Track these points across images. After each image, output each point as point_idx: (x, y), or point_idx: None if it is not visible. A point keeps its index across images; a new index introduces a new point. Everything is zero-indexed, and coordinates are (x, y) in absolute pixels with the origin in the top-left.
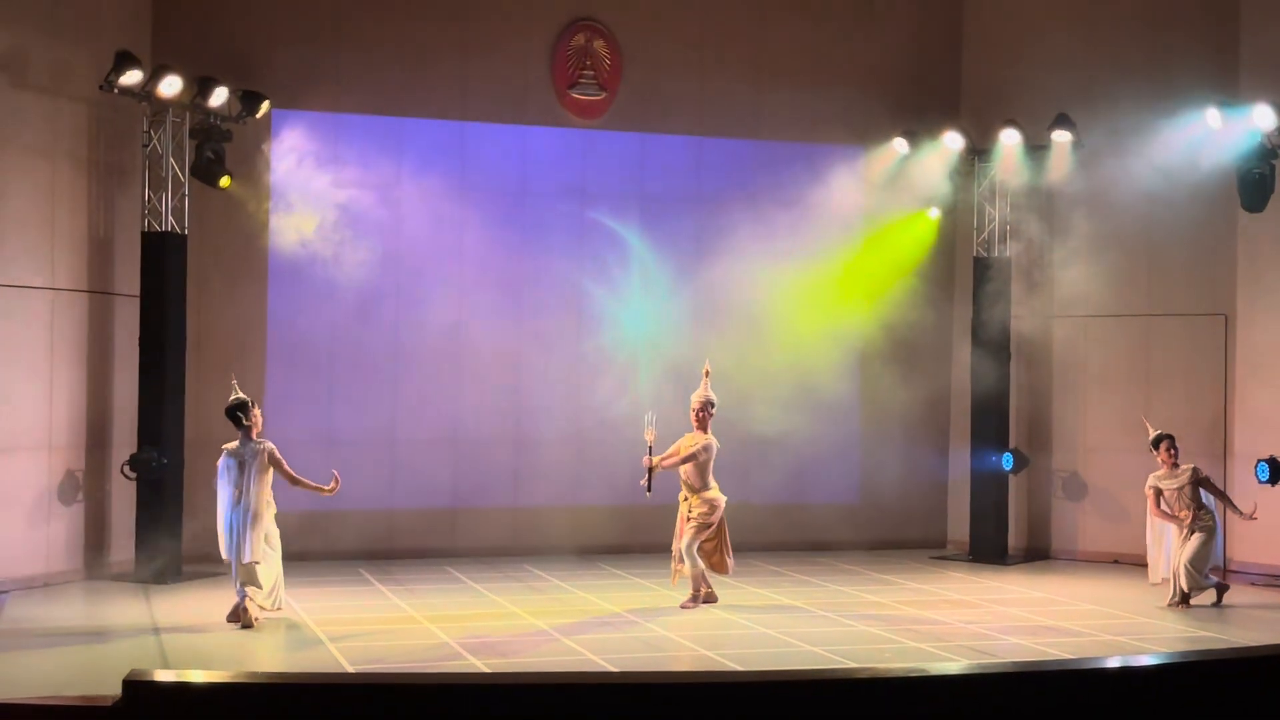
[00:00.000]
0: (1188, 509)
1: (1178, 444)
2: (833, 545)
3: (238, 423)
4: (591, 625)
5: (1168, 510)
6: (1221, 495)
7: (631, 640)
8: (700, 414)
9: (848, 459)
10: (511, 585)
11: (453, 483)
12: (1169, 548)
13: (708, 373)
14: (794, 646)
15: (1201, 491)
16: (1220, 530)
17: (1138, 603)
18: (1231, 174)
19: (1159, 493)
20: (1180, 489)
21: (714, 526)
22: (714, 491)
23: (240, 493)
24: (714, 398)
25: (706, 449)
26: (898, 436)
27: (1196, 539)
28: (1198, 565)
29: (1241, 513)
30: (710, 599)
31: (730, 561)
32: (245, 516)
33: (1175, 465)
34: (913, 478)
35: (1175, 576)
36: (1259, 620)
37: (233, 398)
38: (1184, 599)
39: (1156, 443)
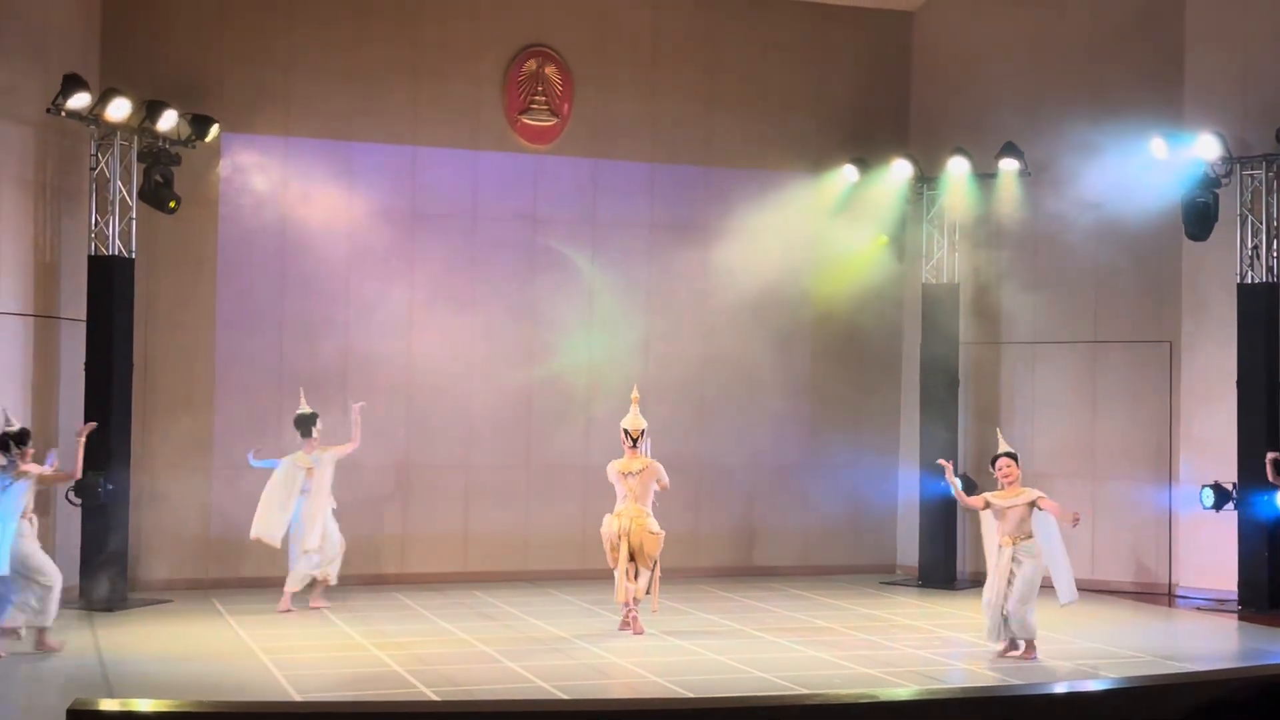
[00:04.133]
0: (1010, 536)
1: (1018, 465)
2: (781, 570)
3: (307, 432)
4: (541, 651)
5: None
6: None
7: (581, 667)
8: (641, 439)
9: (797, 484)
10: (461, 611)
11: (402, 508)
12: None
13: (636, 399)
14: (743, 672)
15: (1034, 520)
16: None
17: (1085, 627)
18: (1176, 203)
19: (987, 504)
20: (1011, 509)
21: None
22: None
23: (301, 493)
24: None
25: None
26: (847, 462)
27: (1022, 573)
28: (1026, 603)
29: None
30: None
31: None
32: (319, 507)
33: (1011, 486)
34: (862, 503)
35: (1007, 620)
36: (1209, 646)
37: (302, 409)
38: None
39: (994, 461)
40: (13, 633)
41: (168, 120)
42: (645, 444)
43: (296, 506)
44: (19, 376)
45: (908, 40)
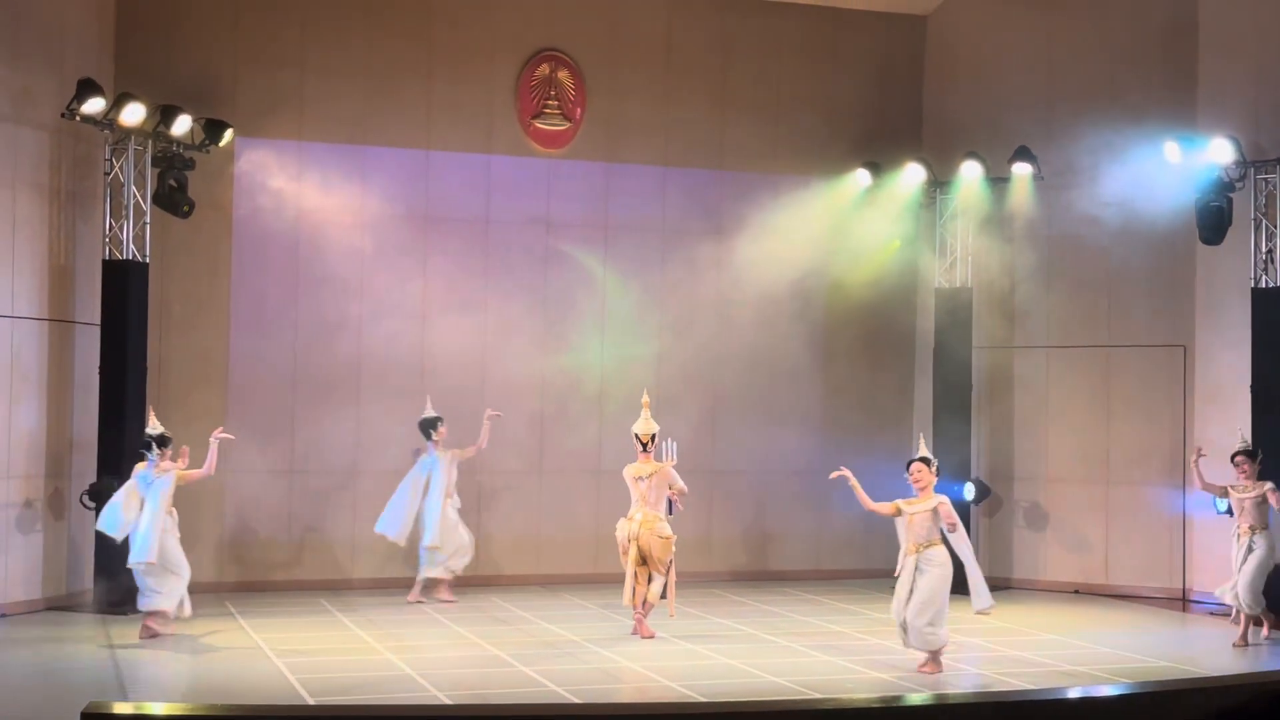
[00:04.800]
0: (914, 543)
1: (931, 470)
2: (794, 575)
3: (429, 435)
4: (553, 655)
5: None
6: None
7: (594, 671)
8: (652, 444)
9: (810, 489)
10: (474, 615)
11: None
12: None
13: (647, 404)
14: (756, 677)
15: (943, 529)
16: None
17: (1098, 633)
18: (1190, 207)
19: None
20: (916, 515)
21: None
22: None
23: (426, 490)
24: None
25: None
26: (860, 466)
27: (926, 580)
28: (923, 614)
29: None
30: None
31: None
32: (438, 506)
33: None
34: None
35: (905, 629)
36: (1221, 650)
37: (427, 413)
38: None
39: (908, 465)
40: (162, 615)
41: (182, 125)
42: (670, 447)
43: (421, 506)
44: (34, 380)
45: (921, 44)
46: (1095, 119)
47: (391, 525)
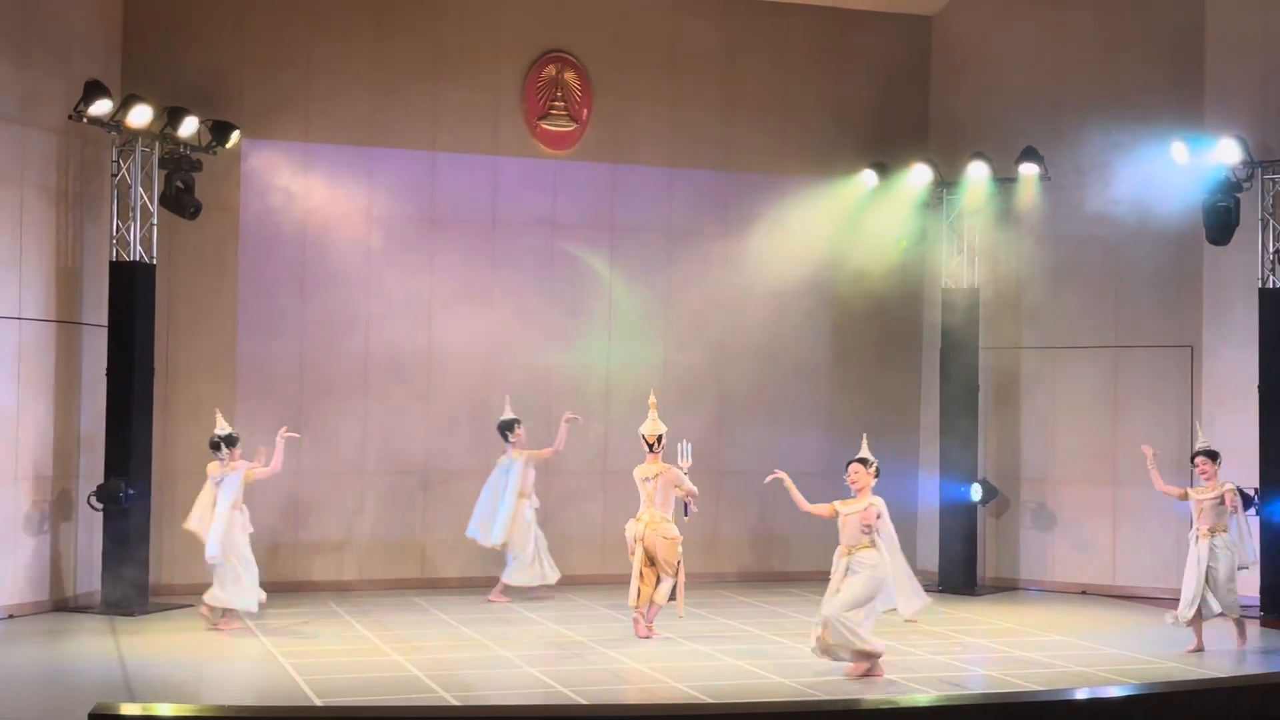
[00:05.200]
0: (846, 545)
1: (869, 471)
2: (801, 575)
3: (506, 437)
4: (560, 656)
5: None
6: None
7: (600, 672)
8: (658, 445)
9: (817, 489)
10: (480, 616)
11: (422, 512)
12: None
13: (654, 405)
14: (763, 678)
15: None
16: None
17: (1106, 634)
18: (1197, 207)
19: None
20: (849, 516)
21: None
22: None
23: (502, 491)
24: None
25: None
26: None
27: (854, 581)
28: (851, 616)
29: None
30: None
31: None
32: (511, 506)
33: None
34: None
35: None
36: (1231, 651)
37: (506, 414)
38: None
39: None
40: (233, 613)
41: (189, 126)
42: (685, 449)
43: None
44: (41, 381)
45: (927, 44)
46: (1102, 119)
47: (479, 530)
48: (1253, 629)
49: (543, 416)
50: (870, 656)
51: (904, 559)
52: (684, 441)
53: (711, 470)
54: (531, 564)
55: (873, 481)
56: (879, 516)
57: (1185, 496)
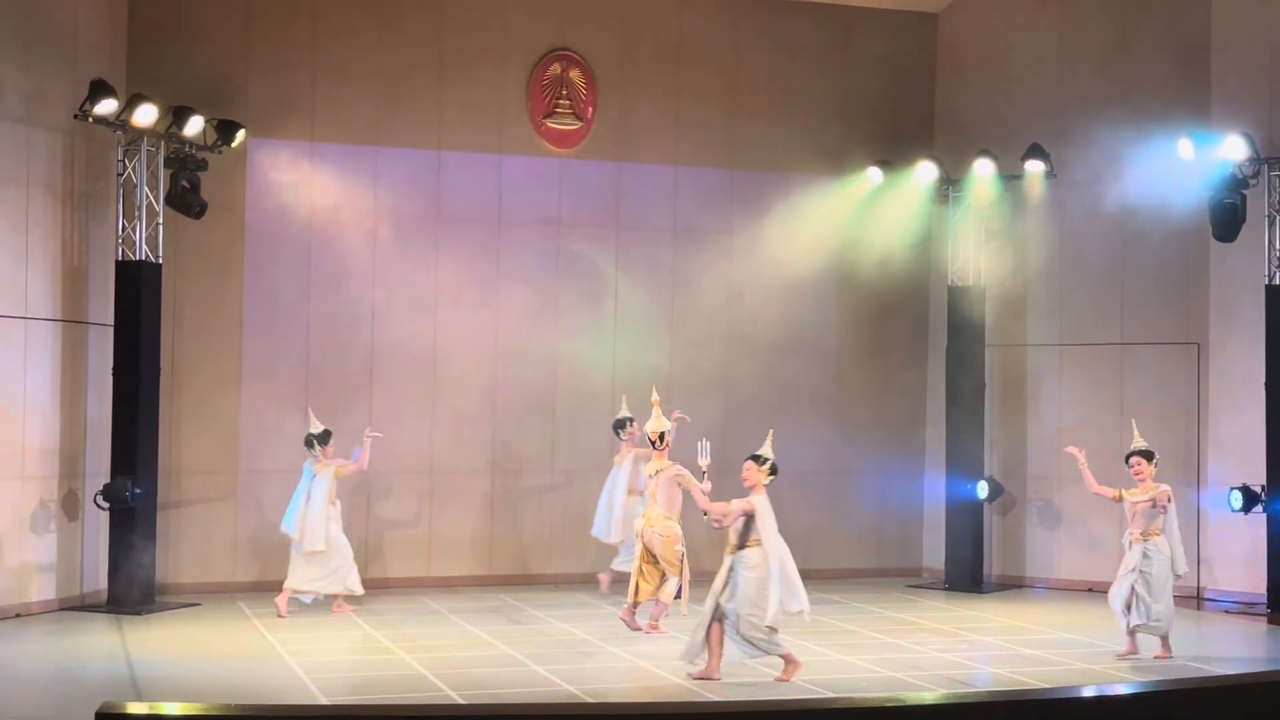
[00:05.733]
0: (730, 545)
1: (760, 468)
2: (808, 574)
3: (619, 434)
4: (566, 655)
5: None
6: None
7: (606, 670)
8: (660, 441)
9: (823, 488)
10: (486, 614)
11: (427, 511)
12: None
13: (657, 402)
14: (770, 676)
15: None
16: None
17: (1113, 631)
18: (1203, 204)
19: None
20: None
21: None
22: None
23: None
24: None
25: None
26: (873, 465)
27: (743, 584)
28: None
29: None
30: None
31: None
32: (620, 503)
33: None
34: (888, 506)
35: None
36: (1237, 649)
37: (621, 413)
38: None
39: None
40: (337, 599)
41: (194, 126)
42: (704, 447)
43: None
44: (47, 381)
45: (932, 42)
46: (1108, 116)
47: (601, 528)
48: (1259, 626)
49: (548, 414)
50: (792, 657)
51: (789, 556)
52: (703, 440)
53: (718, 468)
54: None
55: (765, 479)
56: (752, 516)
57: (1120, 498)
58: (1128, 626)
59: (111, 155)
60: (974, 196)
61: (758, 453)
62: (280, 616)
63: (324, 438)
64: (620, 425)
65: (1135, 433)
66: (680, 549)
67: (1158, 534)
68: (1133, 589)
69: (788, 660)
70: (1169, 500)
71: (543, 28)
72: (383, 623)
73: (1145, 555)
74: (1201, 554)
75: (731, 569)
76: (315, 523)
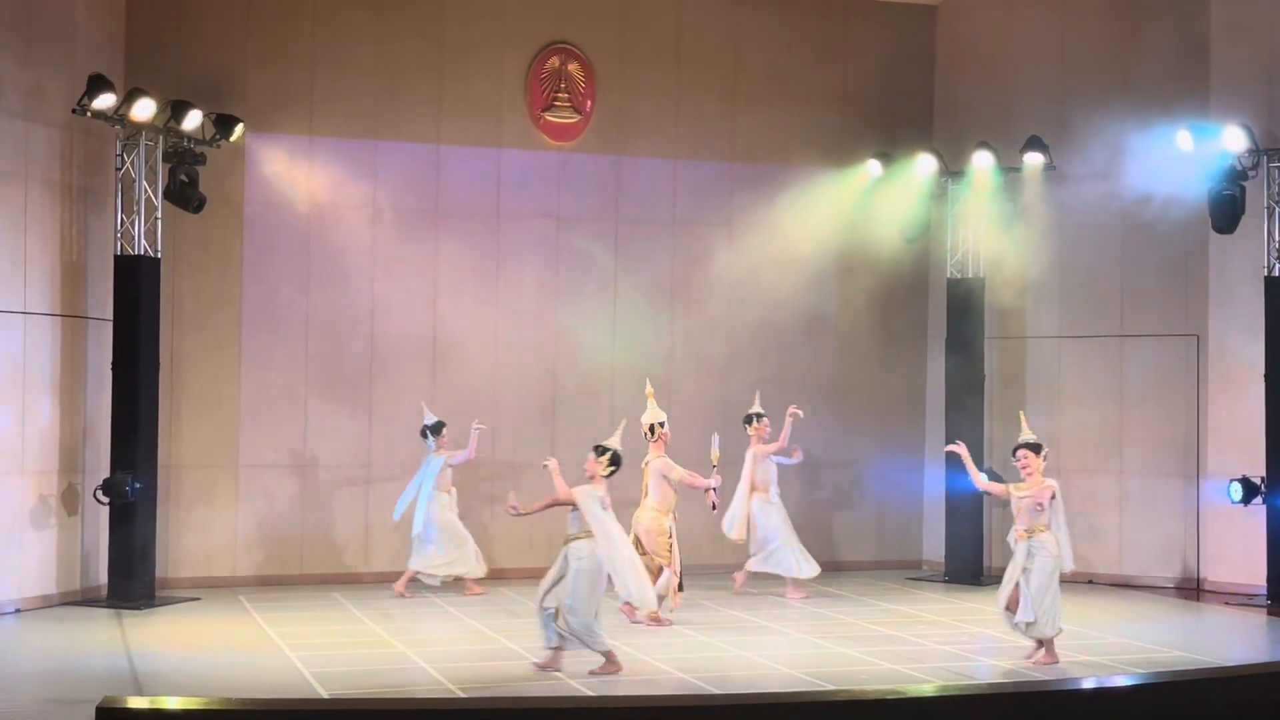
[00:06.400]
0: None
1: (598, 459)
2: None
3: (747, 431)
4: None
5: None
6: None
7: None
8: (650, 434)
9: (822, 480)
10: (487, 608)
11: None
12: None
13: (651, 394)
14: (769, 669)
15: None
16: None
17: (1112, 623)
18: (1202, 195)
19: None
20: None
21: None
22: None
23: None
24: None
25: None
26: (872, 457)
27: (573, 579)
28: (575, 614)
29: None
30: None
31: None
32: (744, 497)
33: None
34: (888, 499)
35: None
36: (1237, 641)
37: (754, 408)
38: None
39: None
40: (459, 581)
41: (192, 120)
42: (714, 441)
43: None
44: (46, 376)
45: (931, 34)
46: (1107, 108)
47: (730, 525)
48: (1258, 618)
49: (548, 407)
50: (613, 655)
51: (628, 545)
52: (715, 435)
53: (706, 460)
54: (777, 553)
55: (604, 471)
56: (575, 507)
57: (1008, 493)
58: (1008, 625)
59: (110, 150)
60: (973, 189)
61: (601, 443)
62: (398, 596)
63: (436, 428)
64: (748, 421)
65: (1024, 425)
66: (667, 540)
67: (1043, 530)
68: (1017, 587)
69: (608, 658)
70: (1053, 496)
71: (541, 21)
72: (383, 616)
73: (1029, 553)
74: (1201, 546)
75: (565, 558)
76: (420, 509)
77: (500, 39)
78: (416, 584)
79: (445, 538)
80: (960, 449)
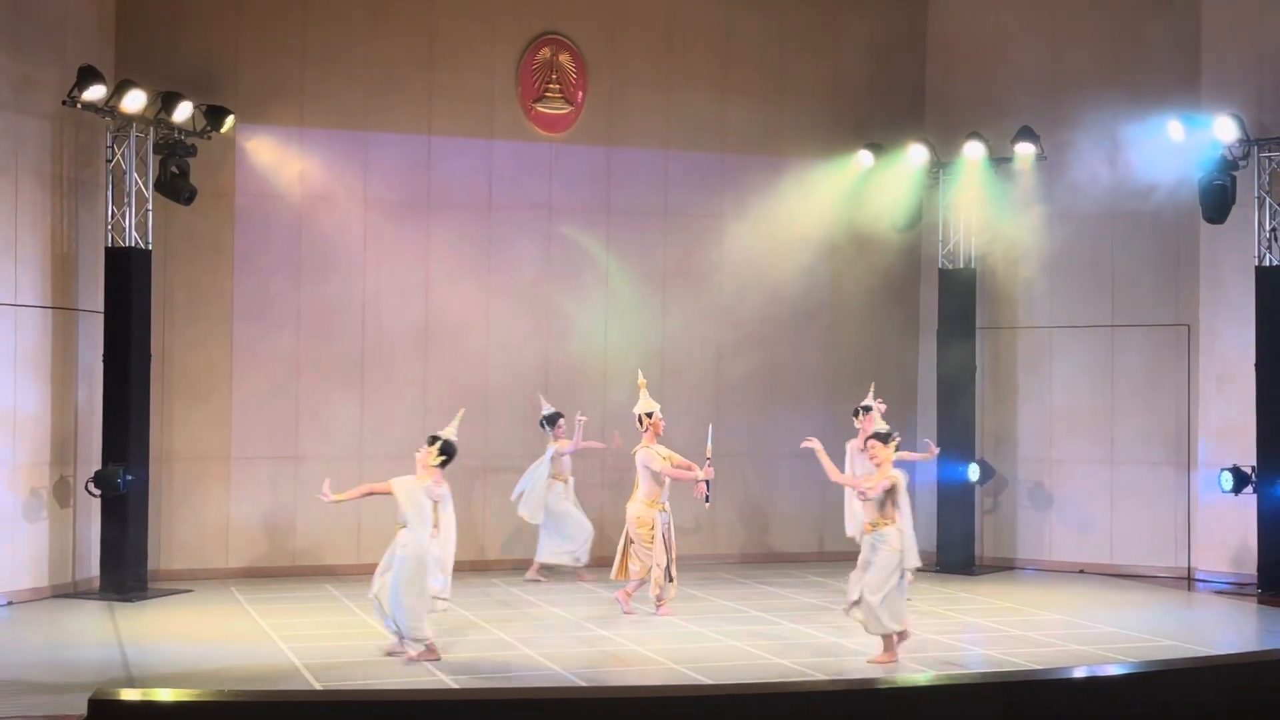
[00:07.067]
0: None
1: (441, 449)
2: (798, 557)
3: (854, 420)
4: (560, 639)
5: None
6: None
7: (599, 653)
8: (639, 425)
9: (814, 470)
10: (478, 599)
11: None
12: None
13: (643, 384)
14: (762, 659)
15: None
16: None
17: (1103, 612)
18: (1193, 185)
19: None
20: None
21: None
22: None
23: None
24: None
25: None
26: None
27: (397, 566)
28: (395, 596)
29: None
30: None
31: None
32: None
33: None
34: None
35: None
36: (1228, 630)
37: (867, 401)
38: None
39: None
40: (563, 569)
41: (183, 112)
42: (709, 433)
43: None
44: (37, 368)
45: (922, 25)
46: (1098, 98)
47: (850, 523)
48: (1249, 606)
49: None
50: (433, 645)
51: (453, 542)
52: (710, 426)
53: (700, 453)
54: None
55: (435, 461)
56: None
57: (856, 485)
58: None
59: (100, 141)
60: (964, 179)
61: (434, 433)
62: (529, 580)
63: (552, 419)
64: (855, 414)
65: (876, 415)
66: (649, 532)
67: (887, 524)
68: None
69: (429, 649)
70: (890, 488)
71: (532, 12)
72: (372, 607)
73: (872, 546)
74: (1192, 535)
75: (391, 547)
76: (530, 497)
77: (491, 30)
78: (550, 569)
79: (564, 525)
80: (814, 444)
